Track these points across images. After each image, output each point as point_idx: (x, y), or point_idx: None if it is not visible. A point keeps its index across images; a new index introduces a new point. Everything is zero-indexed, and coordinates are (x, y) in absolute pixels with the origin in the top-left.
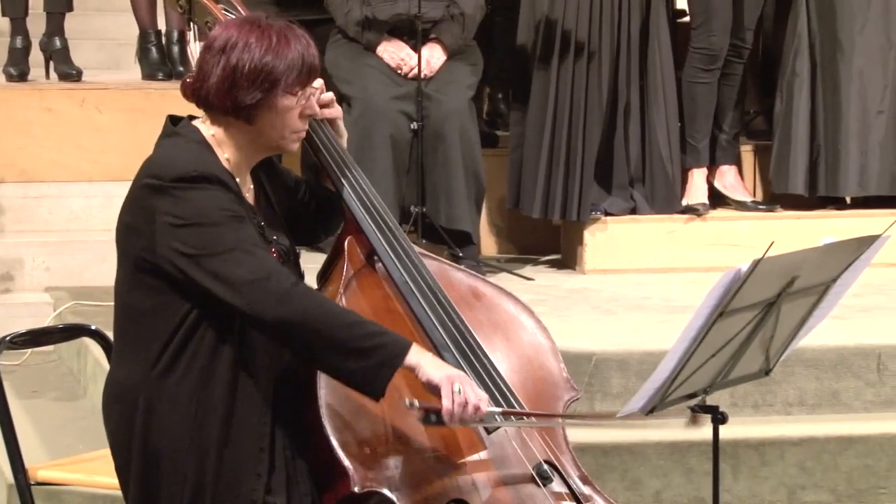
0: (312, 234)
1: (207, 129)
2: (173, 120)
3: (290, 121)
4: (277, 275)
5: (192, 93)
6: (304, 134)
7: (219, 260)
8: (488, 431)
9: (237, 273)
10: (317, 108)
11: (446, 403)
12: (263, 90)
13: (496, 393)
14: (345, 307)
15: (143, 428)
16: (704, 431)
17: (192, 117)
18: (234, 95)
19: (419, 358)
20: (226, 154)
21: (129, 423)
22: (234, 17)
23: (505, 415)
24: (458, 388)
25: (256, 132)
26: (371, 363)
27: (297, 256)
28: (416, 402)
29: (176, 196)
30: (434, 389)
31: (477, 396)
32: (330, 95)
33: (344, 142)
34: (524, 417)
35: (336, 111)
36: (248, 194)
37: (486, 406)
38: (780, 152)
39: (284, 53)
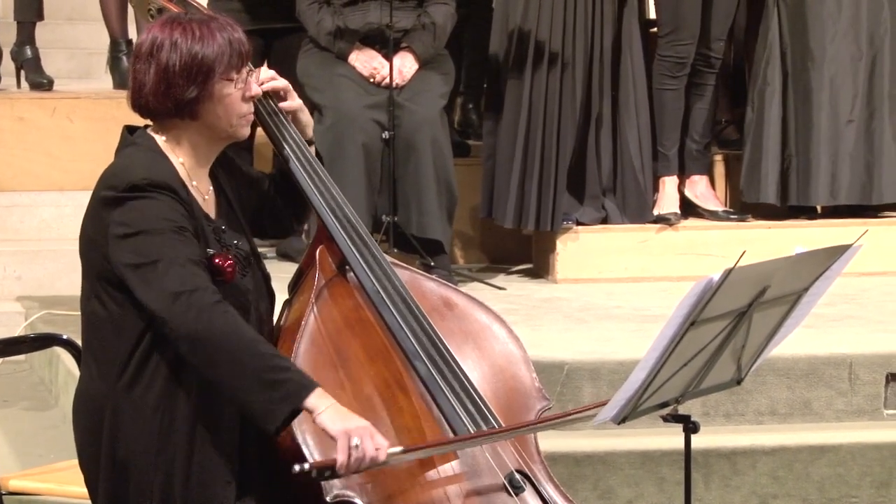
0: (282, 225)
1: (158, 136)
2: (130, 130)
3: (233, 107)
4: (203, 290)
5: (134, 104)
6: (251, 117)
7: (151, 268)
8: None
9: (164, 283)
10: (257, 89)
11: (340, 458)
12: (199, 82)
13: (468, 403)
14: (319, 322)
15: (111, 438)
16: (676, 441)
17: (147, 126)
18: (172, 95)
19: (322, 402)
20: (180, 158)
21: (96, 433)
22: None
23: (409, 451)
24: (356, 444)
25: (204, 126)
26: (272, 396)
27: (259, 258)
28: (306, 466)
29: (125, 206)
30: (331, 440)
31: (375, 447)
32: (282, 82)
33: (309, 130)
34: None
35: (294, 104)
36: (208, 197)
37: (385, 455)
38: (752, 162)
39: (211, 42)
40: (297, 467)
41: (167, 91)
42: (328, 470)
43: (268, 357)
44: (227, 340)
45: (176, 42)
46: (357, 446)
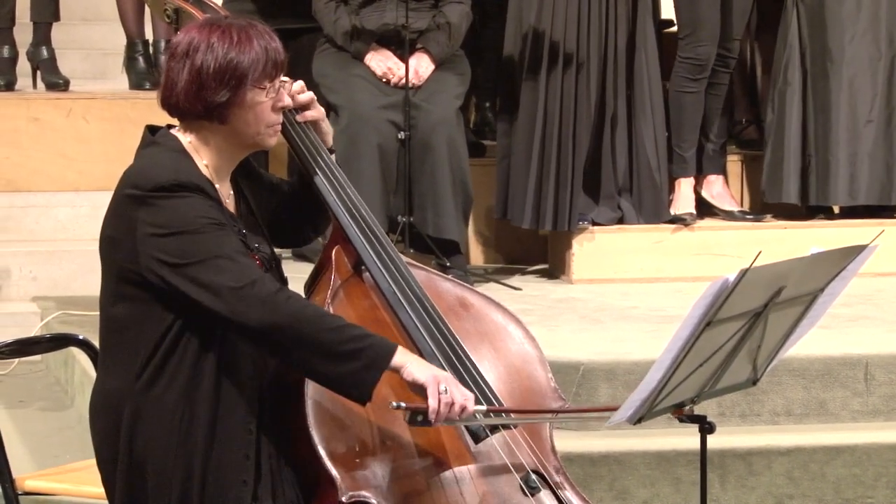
0: (300, 234)
1: (184, 136)
2: (152, 130)
3: (262, 115)
4: (261, 281)
5: (163, 102)
6: (279, 127)
7: (201, 267)
8: (476, 440)
9: (220, 280)
10: (288, 100)
11: (432, 403)
12: (231, 87)
13: (483, 403)
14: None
15: (129, 438)
16: (692, 441)
17: (170, 126)
18: (203, 97)
19: (405, 359)
20: (204, 160)
21: (114, 433)
22: None
23: (492, 413)
24: (444, 388)
25: (231, 131)
26: (357, 366)
27: (279, 263)
28: (403, 404)
29: (156, 205)
30: (419, 389)
31: (463, 396)
32: (309, 96)
33: (329, 139)
34: (512, 415)
35: (316, 113)
36: (229, 201)
37: (473, 405)
38: (773, 162)
39: (247, 49)
40: (393, 403)
41: (198, 92)
42: (420, 414)
43: (343, 329)
44: (300, 324)
45: (212, 45)
46: (445, 391)
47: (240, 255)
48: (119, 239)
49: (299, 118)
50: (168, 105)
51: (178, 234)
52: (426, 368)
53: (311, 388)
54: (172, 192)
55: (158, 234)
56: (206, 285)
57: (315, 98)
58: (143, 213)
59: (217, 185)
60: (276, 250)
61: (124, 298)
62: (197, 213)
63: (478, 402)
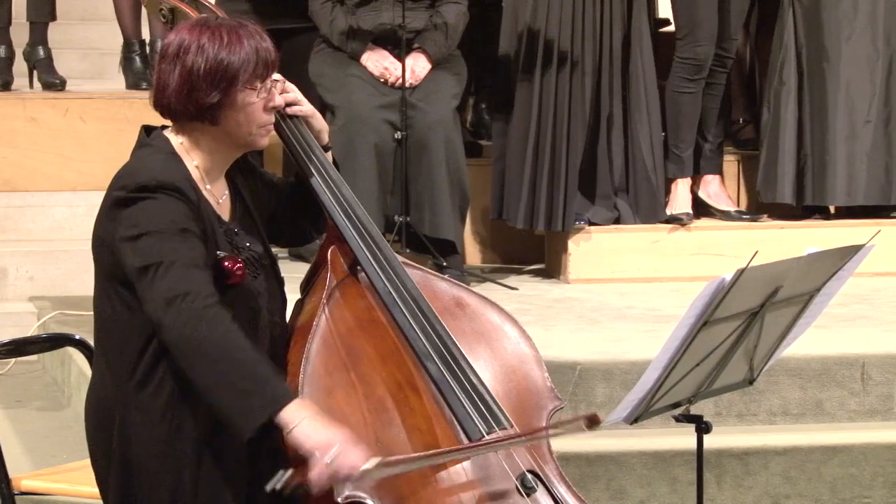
0: (300, 233)
1: (175, 138)
2: (147, 130)
3: (254, 116)
4: (196, 295)
5: (155, 104)
6: (272, 127)
7: (152, 271)
8: (471, 440)
9: (159, 285)
10: (280, 100)
11: (313, 474)
12: (222, 89)
13: (479, 404)
14: (331, 323)
15: (121, 439)
16: (689, 441)
17: (164, 127)
18: (194, 99)
19: (297, 416)
20: (195, 161)
21: (107, 433)
22: None
23: (387, 465)
24: (330, 460)
25: (223, 132)
26: (246, 404)
27: (275, 262)
28: (287, 473)
29: (134, 206)
30: (304, 455)
31: (351, 466)
32: (292, 96)
33: (325, 136)
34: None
35: (305, 110)
36: (223, 200)
37: (358, 472)
38: (768, 162)
39: (238, 49)
40: (279, 473)
41: (189, 94)
42: (300, 486)
43: (248, 365)
44: (210, 346)
45: (203, 46)
46: (331, 462)
47: (188, 265)
48: (107, 240)
49: (287, 111)
50: (160, 106)
51: (145, 234)
52: (315, 433)
53: (308, 389)
54: (152, 192)
55: (128, 235)
56: (147, 287)
57: (298, 98)
58: (124, 214)
59: (208, 186)
60: (274, 249)
61: (115, 299)
62: (167, 216)
63: (372, 458)
